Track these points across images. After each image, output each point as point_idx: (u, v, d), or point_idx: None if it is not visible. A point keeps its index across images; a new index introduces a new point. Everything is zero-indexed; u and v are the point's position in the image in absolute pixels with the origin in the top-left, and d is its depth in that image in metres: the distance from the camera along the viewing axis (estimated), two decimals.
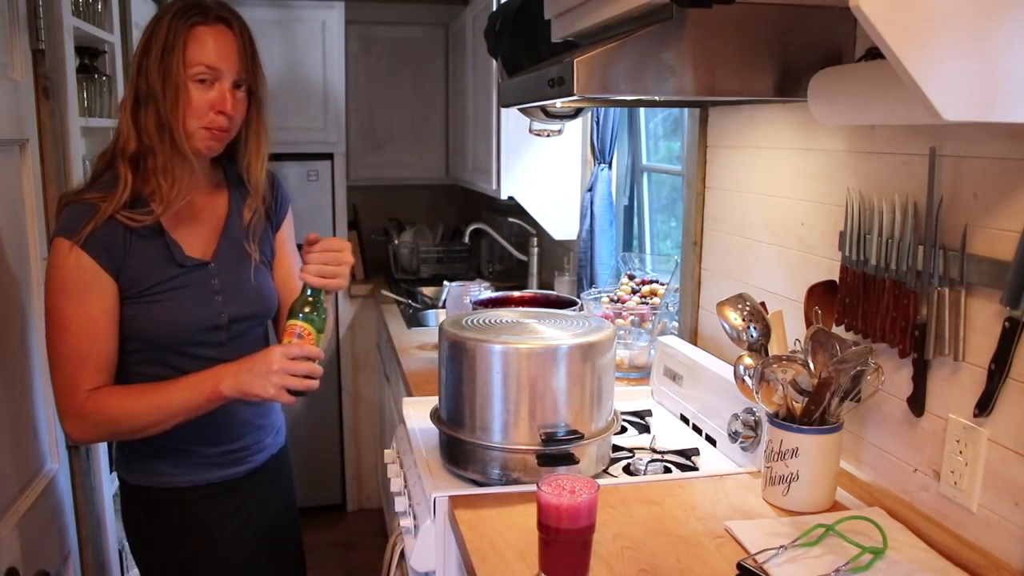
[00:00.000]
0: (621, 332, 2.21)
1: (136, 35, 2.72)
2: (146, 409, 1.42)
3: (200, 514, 1.58)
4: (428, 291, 3.62)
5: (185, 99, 1.40)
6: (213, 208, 1.57)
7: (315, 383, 1.41)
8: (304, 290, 1.45)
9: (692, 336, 2.12)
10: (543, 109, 2.37)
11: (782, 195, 1.71)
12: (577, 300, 2.39)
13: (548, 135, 2.72)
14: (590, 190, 2.80)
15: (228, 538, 1.61)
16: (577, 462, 1.48)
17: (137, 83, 1.42)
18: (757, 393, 1.42)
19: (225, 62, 1.43)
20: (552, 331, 1.54)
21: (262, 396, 1.39)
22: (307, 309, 1.44)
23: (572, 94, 1.29)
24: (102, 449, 2.11)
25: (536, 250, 3.33)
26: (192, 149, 1.44)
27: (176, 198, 1.45)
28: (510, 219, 3.60)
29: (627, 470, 1.64)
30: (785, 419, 1.41)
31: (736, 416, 1.63)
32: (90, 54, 2.35)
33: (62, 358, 1.41)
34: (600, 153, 2.76)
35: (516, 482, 1.49)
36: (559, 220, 3.10)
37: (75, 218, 1.39)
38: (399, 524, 1.65)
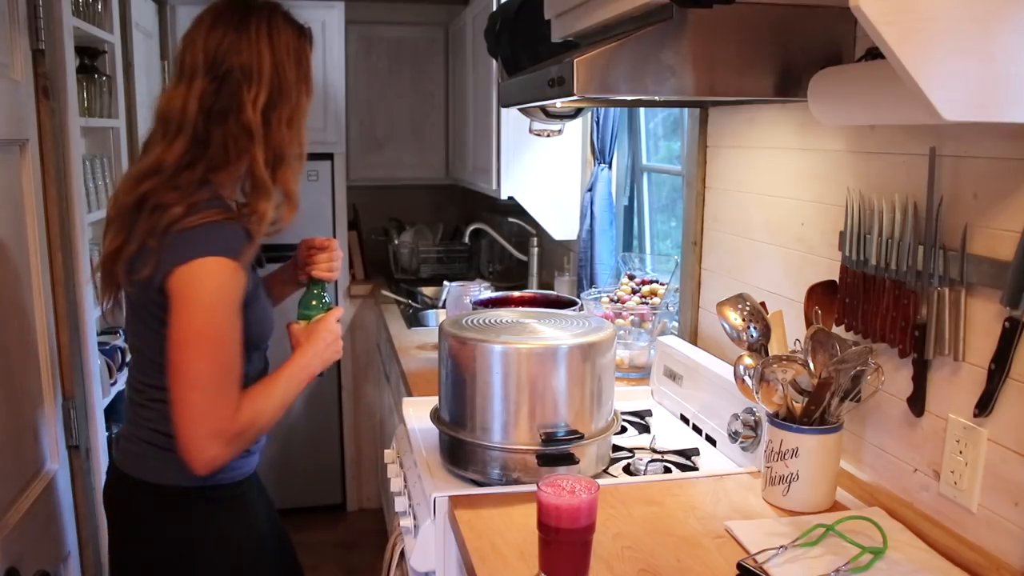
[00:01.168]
0: (621, 332, 2.21)
1: (136, 35, 2.72)
2: (277, 408, 1.46)
3: (251, 501, 1.57)
4: (428, 291, 3.62)
5: (308, 101, 1.49)
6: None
7: None
8: (311, 287, 1.61)
9: (692, 336, 2.12)
10: (543, 109, 2.37)
11: (782, 195, 1.71)
12: (577, 300, 2.39)
13: (548, 135, 2.72)
14: (590, 190, 2.80)
15: (269, 526, 1.63)
16: (577, 462, 1.48)
17: (270, 83, 1.41)
18: (757, 393, 1.42)
19: None
20: (552, 331, 1.54)
21: (336, 358, 1.56)
22: (325, 299, 1.61)
23: (572, 94, 1.29)
24: (102, 449, 2.11)
25: (536, 250, 3.33)
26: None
27: (297, 205, 1.48)
28: (510, 219, 3.60)
29: (627, 470, 1.65)
30: (785, 419, 1.41)
31: (736, 416, 1.63)
32: (90, 54, 2.35)
33: (217, 379, 1.35)
34: (600, 153, 2.76)
35: (516, 482, 1.49)
36: (559, 220, 3.10)
37: (232, 239, 1.36)
38: (399, 524, 1.65)
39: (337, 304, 1.71)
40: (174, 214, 1.35)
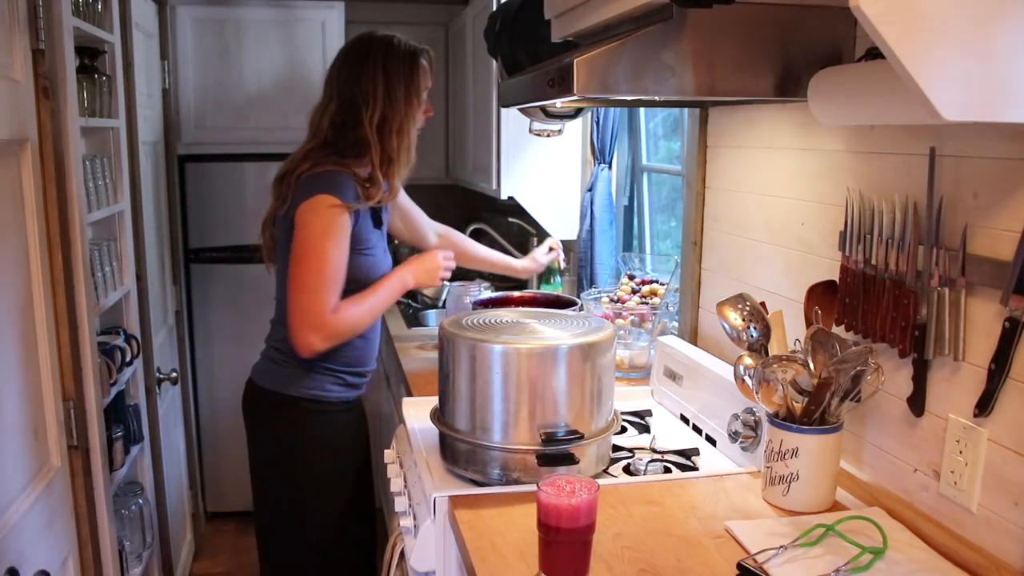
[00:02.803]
0: (621, 332, 2.21)
1: (136, 35, 2.72)
2: (369, 311, 1.92)
3: (339, 421, 2.04)
4: (428, 291, 3.61)
5: (417, 112, 1.99)
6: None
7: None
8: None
9: (692, 336, 2.12)
10: (543, 109, 2.37)
11: (782, 195, 1.71)
12: (577, 300, 2.39)
13: (548, 135, 2.72)
14: (590, 190, 2.80)
15: (355, 446, 2.09)
16: (577, 462, 1.48)
17: (392, 104, 1.94)
18: (757, 393, 1.42)
19: (431, 84, 2.04)
20: (552, 331, 1.54)
21: (431, 284, 2.05)
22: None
23: (572, 94, 1.29)
24: (102, 450, 2.10)
25: None
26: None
27: (396, 191, 2.09)
28: (510, 219, 3.59)
29: (627, 470, 1.64)
30: (785, 419, 1.41)
31: (736, 416, 1.63)
32: (90, 54, 2.35)
33: (320, 284, 1.82)
34: (600, 153, 2.76)
35: (516, 482, 1.49)
36: (559, 220, 3.10)
37: (344, 187, 1.87)
38: (399, 524, 1.65)
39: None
40: (303, 168, 1.90)
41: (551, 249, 2.55)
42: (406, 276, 1.98)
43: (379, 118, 1.92)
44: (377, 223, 2.02)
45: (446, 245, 2.40)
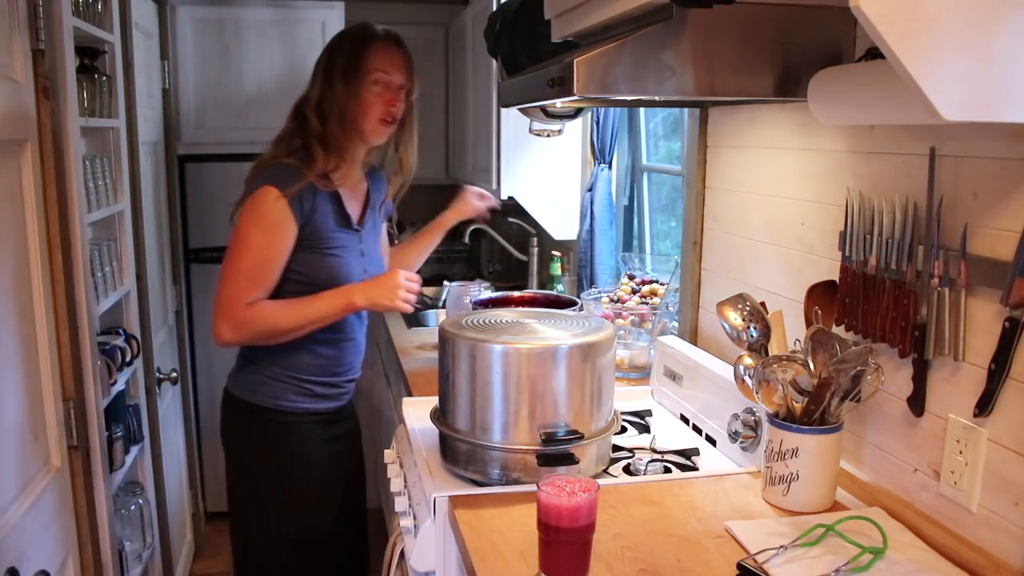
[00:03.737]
0: (621, 332, 2.21)
1: (136, 35, 2.72)
2: (293, 317, 1.80)
3: (306, 435, 1.94)
4: (428, 291, 3.61)
5: (364, 97, 1.85)
6: (360, 190, 2.00)
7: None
8: None
9: (692, 336, 2.12)
10: (543, 109, 2.37)
11: (782, 195, 1.71)
12: (577, 300, 2.39)
13: (548, 135, 2.72)
14: (590, 190, 2.80)
15: (323, 460, 1.98)
16: (577, 462, 1.48)
17: (329, 90, 1.84)
18: (757, 393, 1.42)
19: (395, 70, 1.87)
20: (552, 331, 1.54)
21: (387, 306, 1.84)
22: None
23: (572, 94, 1.28)
24: (102, 450, 2.10)
25: (536, 250, 3.33)
26: (371, 136, 1.90)
27: (352, 175, 1.91)
28: (510, 219, 3.60)
29: (627, 470, 1.64)
30: (785, 419, 1.41)
31: (736, 416, 1.63)
32: (90, 54, 2.35)
33: (238, 274, 1.77)
34: (600, 153, 2.76)
35: (516, 482, 1.49)
36: (559, 220, 3.10)
37: (283, 175, 1.79)
38: (399, 524, 1.65)
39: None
40: (260, 159, 1.87)
41: (481, 197, 2.32)
42: (354, 292, 1.83)
43: (316, 98, 1.85)
44: (344, 222, 1.91)
45: (394, 262, 2.23)
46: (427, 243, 2.31)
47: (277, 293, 1.84)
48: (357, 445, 2.17)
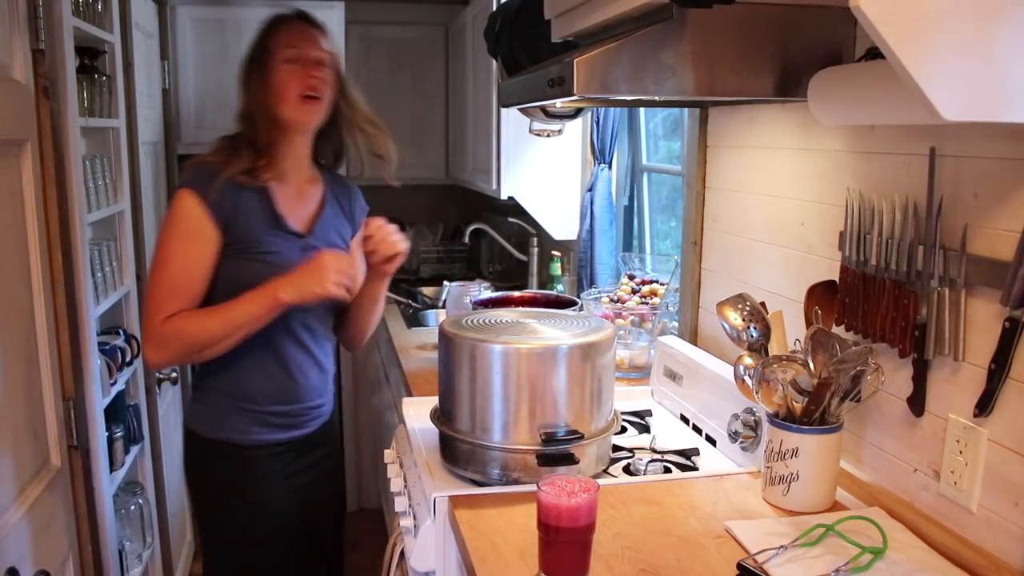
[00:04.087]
0: (621, 332, 2.21)
1: (136, 35, 2.72)
2: (216, 324, 1.61)
3: (262, 470, 1.76)
4: (428, 291, 3.62)
5: (276, 79, 1.68)
6: (312, 197, 1.81)
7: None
8: None
9: (692, 336, 2.12)
10: (543, 109, 2.37)
11: (782, 195, 1.71)
12: (577, 300, 2.39)
13: (548, 135, 2.72)
14: (590, 190, 2.80)
15: (281, 495, 1.78)
16: (577, 462, 1.48)
17: (246, 84, 1.72)
18: (757, 393, 1.42)
19: (306, 43, 1.71)
20: (552, 331, 1.54)
21: (319, 294, 1.59)
22: None
23: (572, 94, 1.28)
24: (102, 449, 2.11)
25: (536, 250, 3.33)
26: (296, 122, 1.71)
27: (280, 166, 1.73)
28: (510, 219, 3.60)
29: (627, 470, 1.64)
30: (785, 419, 1.41)
31: (736, 416, 1.63)
32: (90, 54, 2.35)
33: (156, 287, 1.62)
34: (600, 153, 2.76)
35: (516, 482, 1.49)
36: (559, 220, 3.10)
37: (201, 176, 1.65)
38: (399, 524, 1.65)
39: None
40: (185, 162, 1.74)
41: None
42: (279, 288, 1.59)
43: (242, 105, 1.73)
44: (275, 224, 1.70)
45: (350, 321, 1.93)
46: (374, 294, 1.86)
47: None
48: (331, 475, 1.95)
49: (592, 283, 2.76)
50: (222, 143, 1.73)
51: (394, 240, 1.73)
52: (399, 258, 1.74)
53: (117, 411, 2.33)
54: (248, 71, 1.73)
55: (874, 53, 1.24)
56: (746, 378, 1.51)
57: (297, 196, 1.77)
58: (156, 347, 1.63)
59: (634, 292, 2.37)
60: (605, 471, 1.61)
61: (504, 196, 3.04)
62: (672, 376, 1.95)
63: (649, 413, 1.94)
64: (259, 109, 1.69)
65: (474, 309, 2.26)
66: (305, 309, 1.70)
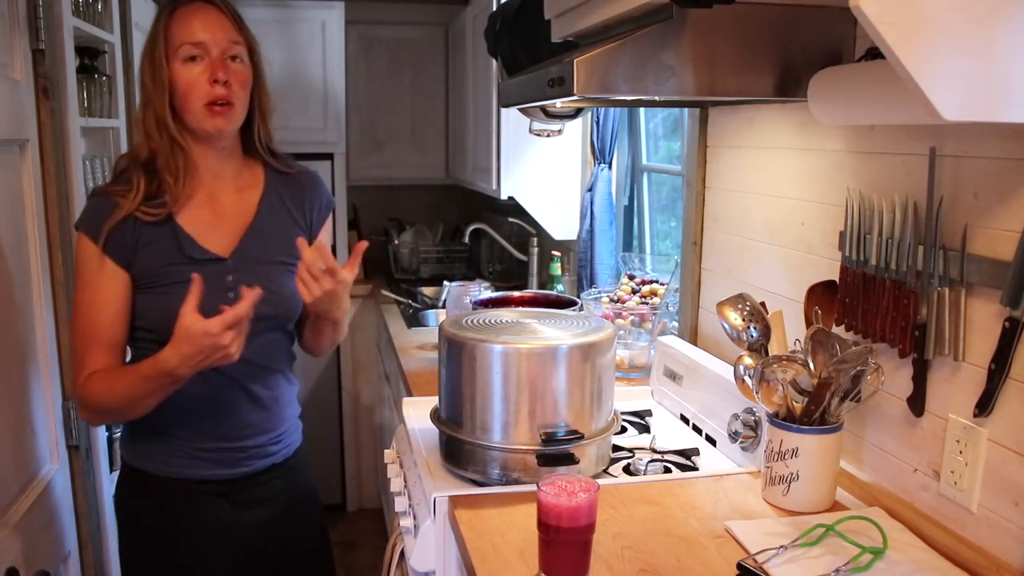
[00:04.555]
0: (621, 332, 2.21)
1: (136, 35, 2.72)
2: (116, 397, 1.42)
3: (191, 509, 1.54)
4: (428, 291, 3.62)
5: (175, 84, 1.43)
6: (240, 206, 1.56)
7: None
8: None
9: (692, 336, 2.12)
10: (543, 109, 2.37)
11: (782, 195, 1.71)
12: (577, 300, 2.39)
13: (548, 135, 2.72)
14: (590, 190, 2.80)
15: (217, 539, 1.56)
16: (577, 462, 1.48)
17: (141, 86, 1.47)
18: (757, 393, 1.42)
19: (209, 34, 1.43)
20: (552, 331, 1.54)
21: (213, 365, 1.35)
22: None
23: (572, 94, 1.28)
24: (102, 449, 2.11)
25: (536, 250, 3.33)
26: (203, 133, 1.46)
27: (182, 192, 1.48)
28: (510, 219, 3.60)
29: (627, 470, 1.64)
30: (785, 419, 1.41)
31: (736, 416, 1.63)
32: (90, 54, 2.35)
33: (74, 340, 1.48)
34: (600, 153, 2.76)
35: (516, 482, 1.49)
36: (559, 220, 3.10)
37: (95, 213, 1.45)
38: (399, 524, 1.65)
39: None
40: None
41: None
42: (168, 361, 1.34)
43: (139, 111, 1.49)
44: (182, 251, 1.47)
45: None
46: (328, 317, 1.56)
47: (137, 356, 1.51)
48: (296, 522, 1.66)
49: (592, 283, 2.76)
50: (119, 164, 1.53)
51: (323, 282, 1.41)
52: (335, 296, 1.44)
53: None
54: (144, 73, 1.45)
55: (874, 53, 1.24)
56: (746, 378, 1.51)
57: (219, 212, 1.52)
58: (81, 407, 1.49)
59: (634, 292, 2.37)
60: (605, 471, 1.61)
61: (504, 196, 3.04)
62: (672, 376, 1.95)
63: (649, 413, 1.94)
64: (156, 119, 1.44)
65: (474, 309, 2.26)
66: (257, 342, 1.49)
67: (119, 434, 1.65)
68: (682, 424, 1.89)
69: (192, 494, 1.53)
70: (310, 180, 1.67)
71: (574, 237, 3.00)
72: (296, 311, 1.59)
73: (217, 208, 1.53)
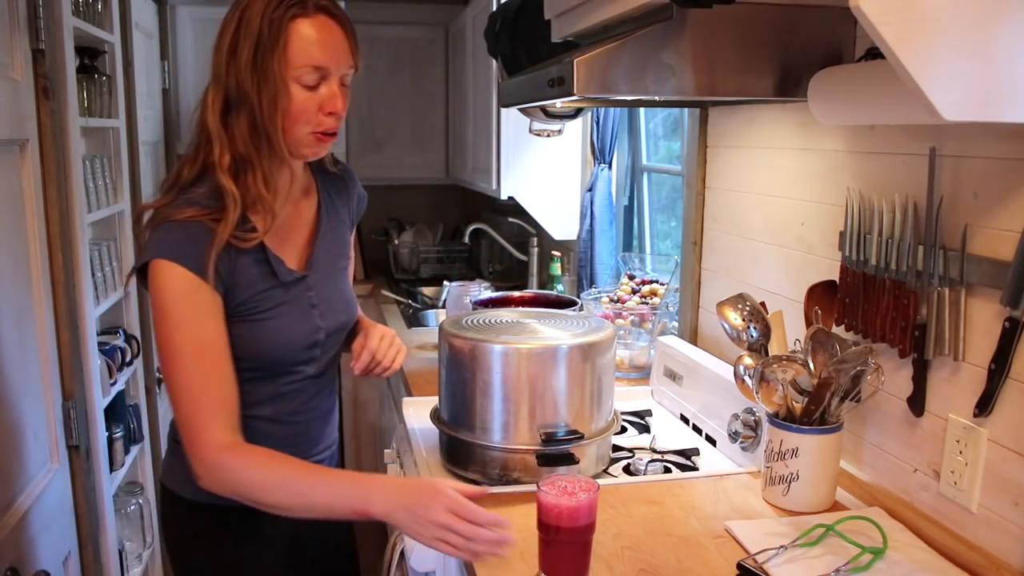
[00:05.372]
0: (621, 332, 2.21)
1: (136, 35, 2.72)
2: (285, 495, 1.24)
3: (257, 533, 1.43)
4: (428, 291, 3.62)
5: (287, 104, 1.26)
6: (304, 215, 1.45)
7: (479, 548, 1.18)
8: None
9: (692, 336, 2.12)
10: (543, 109, 2.37)
11: (782, 195, 1.71)
12: (577, 300, 2.39)
13: (548, 135, 2.72)
14: (590, 190, 2.80)
15: (275, 547, 1.48)
16: (577, 462, 1.48)
17: (226, 84, 1.27)
18: (757, 393, 1.42)
19: (333, 59, 1.27)
20: (552, 331, 1.54)
21: (416, 540, 1.21)
22: None
23: (572, 94, 1.28)
24: (102, 450, 2.11)
25: (536, 250, 3.33)
26: (299, 156, 1.33)
27: (281, 211, 1.35)
28: (510, 219, 3.60)
29: (627, 470, 1.64)
30: (785, 419, 1.41)
31: (736, 416, 1.63)
32: (90, 54, 2.35)
33: (181, 391, 1.27)
34: (600, 153, 2.76)
35: (516, 482, 1.49)
36: (559, 220, 3.10)
37: (192, 242, 1.25)
38: None
39: None
40: (151, 207, 1.30)
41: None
42: (374, 502, 1.21)
43: (222, 101, 1.28)
44: (272, 275, 1.35)
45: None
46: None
47: None
48: (345, 547, 1.71)
49: (592, 283, 2.76)
50: (182, 174, 1.32)
51: (392, 354, 1.50)
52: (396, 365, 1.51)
53: (117, 411, 2.34)
54: (232, 66, 1.26)
55: (874, 53, 1.24)
56: (746, 378, 1.51)
57: (286, 225, 1.40)
58: (208, 475, 1.26)
59: (634, 292, 2.37)
60: (605, 471, 1.61)
61: (504, 196, 3.04)
62: (672, 376, 1.95)
63: (649, 413, 1.94)
64: (253, 128, 1.27)
65: (474, 309, 2.26)
66: (329, 355, 1.46)
67: (163, 460, 1.49)
68: (682, 424, 1.89)
69: (262, 518, 1.30)
70: (350, 176, 1.59)
71: (574, 237, 3.00)
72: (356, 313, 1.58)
73: (284, 220, 1.40)
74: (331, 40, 1.28)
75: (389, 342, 1.53)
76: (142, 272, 1.27)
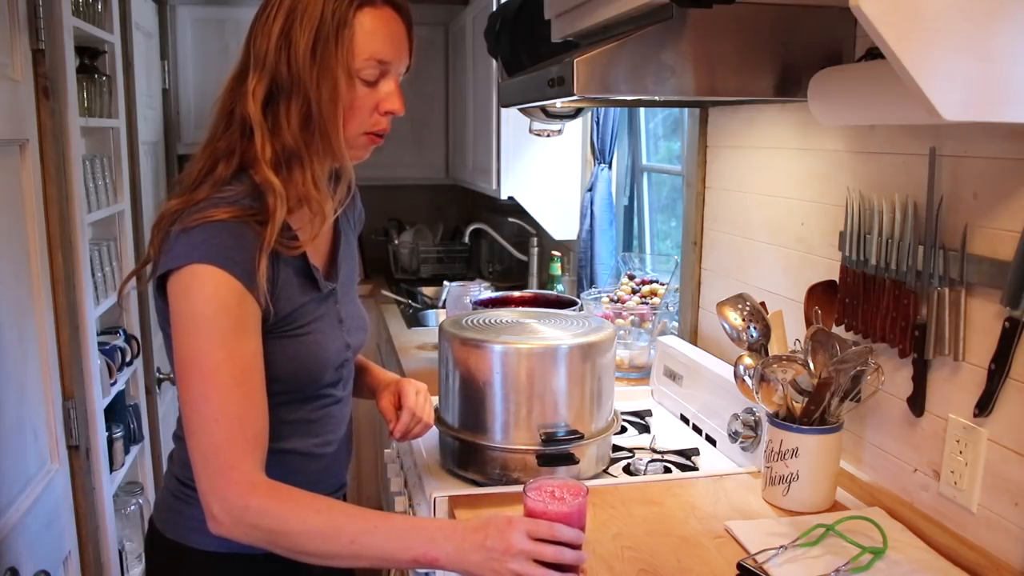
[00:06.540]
0: (621, 332, 2.21)
1: (136, 35, 2.72)
2: (334, 541, 1.05)
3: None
4: (428, 291, 3.62)
5: (348, 99, 1.14)
6: (328, 225, 1.26)
7: None
8: None
9: (692, 336, 2.12)
10: (543, 109, 2.37)
11: (782, 195, 1.71)
12: (577, 300, 2.39)
13: (548, 135, 2.72)
14: (590, 190, 2.80)
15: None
16: (577, 462, 1.48)
17: (275, 72, 1.12)
18: (757, 393, 1.42)
19: (397, 54, 1.20)
20: (552, 331, 1.54)
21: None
22: None
23: (572, 94, 1.29)
24: (102, 450, 2.11)
25: (536, 250, 3.33)
26: (346, 159, 1.18)
27: (330, 213, 1.20)
28: (510, 219, 3.60)
29: (627, 470, 1.64)
30: (785, 419, 1.41)
31: (736, 416, 1.63)
32: (90, 54, 2.35)
33: (209, 422, 1.06)
34: (600, 153, 2.76)
35: (516, 482, 1.49)
36: (559, 220, 3.10)
37: (236, 246, 1.08)
38: None
39: None
40: (178, 205, 1.12)
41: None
42: (440, 547, 1.05)
43: (265, 89, 1.13)
44: (311, 285, 1.20)
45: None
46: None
47: None
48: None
49: (592, 283, 2.76)
50: (219, 171, 1.15)
51: (430, 409, 1.40)
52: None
53: (117, 411, 2.34)
54: (292, 61, 1.11)
55: (874, 53, 1.24)
56: (746, 378, 1.51)
57: (320, 233, 1.24)
58: (234, 525, 1.06)
59: (634, 292, 2.37)
60: (605, 471, 1.61)
61: (504, 196, 3.04)
62: (672, 376, 1.95)
63: (649, 413, 1.94)
64: (306, 127, 1.14)
65: (474, 309, 2.26)
66: (348, 376, 1.32)
67: (159, 501, 1.29)
68: (682, 424, 1.89)
69: (264, 561, 1.13)
70: (351, 191, 1.39)
71: (574, 237, 3.00)
72: None
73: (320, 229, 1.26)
74: (396, 34, 1.20)
75: (425, 397, 1.40)
76: (162, 278, 1.10)
